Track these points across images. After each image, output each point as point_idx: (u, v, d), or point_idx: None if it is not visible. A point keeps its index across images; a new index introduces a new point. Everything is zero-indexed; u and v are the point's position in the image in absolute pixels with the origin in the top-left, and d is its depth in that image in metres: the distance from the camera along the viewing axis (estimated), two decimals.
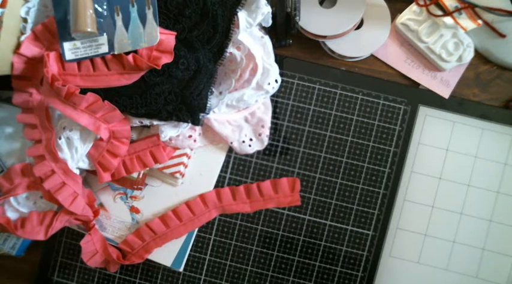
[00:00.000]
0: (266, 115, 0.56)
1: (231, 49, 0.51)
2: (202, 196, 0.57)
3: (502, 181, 0.57)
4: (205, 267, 0.59)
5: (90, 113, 0.48)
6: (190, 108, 0.50)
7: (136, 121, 0.51)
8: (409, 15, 0.56)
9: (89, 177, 0.57)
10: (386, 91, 0.58)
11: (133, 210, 0.57)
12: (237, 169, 0.58)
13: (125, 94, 0.49)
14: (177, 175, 0.55)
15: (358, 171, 0.58)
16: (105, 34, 0.47)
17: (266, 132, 0.56)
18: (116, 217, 0.58)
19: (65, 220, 0.52)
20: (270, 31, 0.56)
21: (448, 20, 0.55)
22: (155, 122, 0.51)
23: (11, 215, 0.53)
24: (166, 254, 0.57)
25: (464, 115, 0.57)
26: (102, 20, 0.47)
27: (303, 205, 0.58)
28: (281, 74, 0.56)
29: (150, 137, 0.54)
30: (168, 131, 0.52)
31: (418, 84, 0.58)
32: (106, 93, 0.48)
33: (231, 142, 0.55)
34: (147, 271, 0.59)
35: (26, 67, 0.49)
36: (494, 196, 0.57)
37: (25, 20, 0.49)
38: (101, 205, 0.58)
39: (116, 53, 0.47)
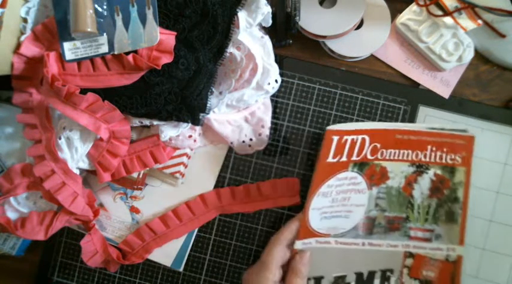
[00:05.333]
0: (266, 115, 0.56)
1: (231, 49, 0.51)
2: (202, 196, 0.57)
3: (502, 181, 0.57)
4: (205, 267, 0.59)
5: (90, 113, 0.48)
6: (190, 108, 0.50)
7: (136, 121, 0.51)
8: (409, 15, 0.56)
9: (89, 177, 0.57)
10: (387, 91, 0.58)
11: (134, 209, 0.57)
12: (237, 169, 0.58)
13: (125, 94, 0.49)
14: (177, 175, 0.55)
15: None
16: (105, 34, 0.47)
17: (266, 132, 0.56)
18: (116, 217, 0.58)
19: (65, 220, 0.52)
20: (270, 31, 0.56)
21: (448, 20, 0.55)
22: (155, 122, 0.51)
23: (11, 215, 0.53)
24: (166, 254, 0.57)
25: (464, 115, 0.57)
26: (102, 20, 0.47)
27: (303, 205, 0.57)
28: (281, 74, 0.56)
29: (150, 137, 0.54)
30: (168, 131, 0.52)
31: (418, 84, 0.58)
32: (106, 93, 0.48)
33: (231, 142, 0.55)
34: (147, 271, 0.59)
35: (26, 67, 0.49)
36: (494, 196, 0.57)
37: (25, 20, 0.49)
38: (101, 205, 0.58)
39: (116, 53, 0.47)
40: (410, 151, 0.53)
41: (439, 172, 0.53)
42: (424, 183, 0.53)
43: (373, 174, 0.52)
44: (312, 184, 0.52)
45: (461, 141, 0.53)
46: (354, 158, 0.52)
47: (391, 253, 0.54)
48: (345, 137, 0.51)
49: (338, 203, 0.53)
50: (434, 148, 0.53)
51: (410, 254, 0.54)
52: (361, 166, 0.53)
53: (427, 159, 0.53)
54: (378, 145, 0.52)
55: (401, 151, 0.53)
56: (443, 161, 0.53)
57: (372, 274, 0.54)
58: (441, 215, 0.54)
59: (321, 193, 0.52)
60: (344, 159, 0.52)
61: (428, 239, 0.54)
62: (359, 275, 0.54)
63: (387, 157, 0.53)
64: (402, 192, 0.53)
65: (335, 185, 0.52)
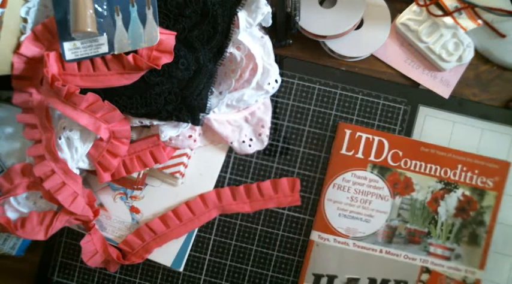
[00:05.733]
0: (266, 115, 0.56)
1: (231, 49, 0.51)
2: (202, 196, 0.57)
3: None
4: (205, 267, 0.59)
5: (90, 113, 0.48)
6: (190, 108, 0.50)
7: (136, 121, 0.51)
8: (409, 15, 0.56)
9: (89, 177, 0.57)
10: (387, 91, 0.58)
11: (134, 209, 0.57)
12: (237, 169, 0.58)
13: (125, 94, 0.49)
14: (177, 175, 0.55)
15: None
16: (105, 34, 0.47)
17: (266, 132, 0.56)
18: (116, 217, 0.58)
19: (65, 220, 0.52)
20: (270, 31, 0.56)
21: (448, 20, 0.55)
22: (155, 122, 0.51)
23: (11, 215, 0.53)
24: (166, 254, 0.57)
25: (464, 115, 0.57)
26: (102, 20, 0.47)
27: (303, 205, 0.58)
28: (281, 74, 0.56)
29: (150, 137, 0.54)
30: (168, 131, 0.52)
31: (418, 84, 0.58)
32: (106, 93, 0.48)
33: (231, 142, 0.55)
34: (147, 271, 0.59)
35: (26, 67, 0.49)
36: None
37: (25, 20, 0.49)
38: (101, 205, 0.58)
39: (116, 53, 0.47)
40: (438, 167, 0.54)
41: (467, 193, 0.54)
42: (451, 201, 0.54)
43: (397, 182, 0.53)
44: (327, 174, 0.54)
45: (495, 165, 0.54)
46: (372, 159, 0.53)
47: (407, 265, 0.54)
48: (358, 133, 0.53)
49: (358, 204, 0.54)
50: (465, 169, 0.54)
51: (427, 270, 0.54)
52: (382, 170, 0.54)
53: (457, 178, 0.54)
54: (400, 153, 0.53)
55: (429, 165, 0.54)
56: (473, 182, 0.54)
57: (385, 283, 0.54)
58: (464, 236, 0.54)
59: (336, 184, 0.54)
60: (360, 155, 0.53)
61: (447, 257, 0.54)
62: (372, 281, 0.54)
63: (412, 168, 0.54)
64: (427, 207, 0.54)
65: (352, 181, 0.54)
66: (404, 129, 0.57)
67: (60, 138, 0.50)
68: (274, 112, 0.58)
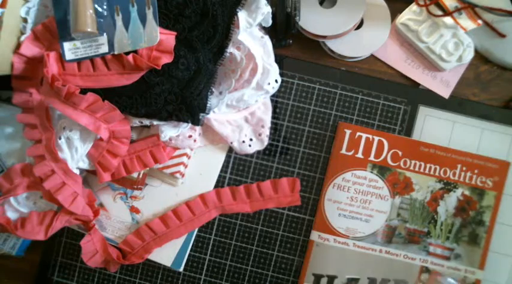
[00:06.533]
0: (266, 115, 0.56)
1: (231, 49, 0.51)
2: (202, 196, 0.57)
3: None
4: (205, 267, 0.59)
5: (90, 113, 0.48)
6: (190, 108, 0.50)
7: (136, 121, 0.51)
8: (409, 15, 0.56)
9: (89, 177, 0.57)
10: (387, 91, 0.58)
11: (133, 210, 0.57)
12: (237, 169, 0.58)
13: (125, 94, 0.49)
14: (177, 175, 0.55)
15: None
16: (105, 34, 0.47)
17: (266, 132, 0.56)
18: (115, 217, 0.58)
19: (65, 220, 0.52)
20: (270, 31, 0.56)
21: (448, 20, 0.55)
22: (155, 122, 0.51)
23: (11, 215, 0.53)
24: (166, 254, 0.57)
25: (464, 115, 0.57)
26: (102, 20, 0.47)
27: (303, 205, 0.58)
28: (281, 74, 0.56)
29: (150, 137, 0.54)
30: (168, 131, 0.52)
31: (418, 84, 0.58)
32: (106, 93, 0.48)
33: (231, 142, 0.55)
34: (147, 271, 0.59)
35: (26, 67, 0.49)
36: None
37: (25, 20, 0.49)
38: (101, 205, 0.58)
39: (116, 53, 0.47)
40: (438, 167, 0.54)
41: (467, 192, 0.54)
42: (451, 201, 0.54)
43: (396, 182, 0.53)
44: (327, 174, 0.54)
45: (495, 165, 0.54)
46: (372, 159, 0.53)
47: (407, 265, 0.54)
48: (358, 133, 0.53)
49: (358, 204, 0.54)
50: (464, 168, 0.54)
51: (426, 270, 0.54)
52: (382, 170, 0.54)
53: (456, 178, 0.54)
54: (400, 153, 0.53)
55: (428, 165, 0.54)
56: (473, 182, 0.54)
57: (385, 282, 0.54)
58: (464, 236, 0.54)
59: (336, 184, 0.54)
60: (360, 155, 0.53)
61: (447, 257, 0.54)
62: (372, 281, 0.54)
63: (411, 168, 0.54)
64: (426, 206, 0.54)
65: (352, 181, 0.54)
66: (404, 129, 0.57)
67: (60, 138, 0.50)
68: (274, 112, 0.58)
